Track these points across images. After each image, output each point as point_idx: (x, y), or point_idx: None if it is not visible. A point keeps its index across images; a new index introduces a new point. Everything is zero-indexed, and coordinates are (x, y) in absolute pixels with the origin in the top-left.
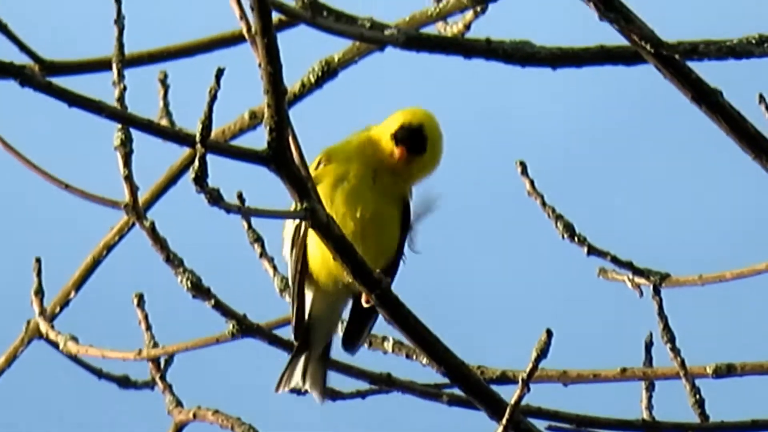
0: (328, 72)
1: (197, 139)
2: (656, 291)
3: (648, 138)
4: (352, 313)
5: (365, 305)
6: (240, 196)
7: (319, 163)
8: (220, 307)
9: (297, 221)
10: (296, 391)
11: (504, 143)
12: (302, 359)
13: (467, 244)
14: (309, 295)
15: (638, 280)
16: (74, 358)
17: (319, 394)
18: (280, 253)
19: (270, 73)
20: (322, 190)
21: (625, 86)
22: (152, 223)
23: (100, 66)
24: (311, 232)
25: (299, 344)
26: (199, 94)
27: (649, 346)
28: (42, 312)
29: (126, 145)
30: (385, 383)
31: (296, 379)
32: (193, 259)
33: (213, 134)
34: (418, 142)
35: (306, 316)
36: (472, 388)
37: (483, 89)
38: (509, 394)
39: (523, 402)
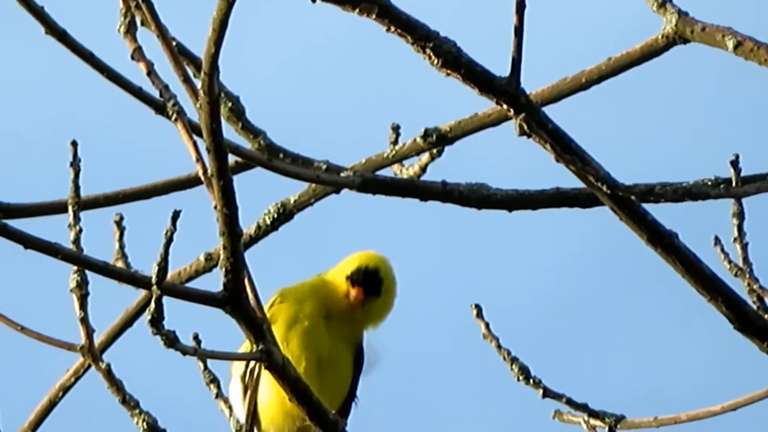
0: (285, 214)
1: (153, 281)
2: None
3: (607, 278)
4: None
5: None
6: (196, 338)
7: (272, 304)
8: None
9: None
10: None
11: (460, 286)
12: None
13: (424, 388)
14: None
15: (594, 422)
16: None
17: None
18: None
19: (226, 215)
20: (277, 330)
21: (583, 227)
22: (108, 366)
23: (55, 209)
24: (265, 374)
25: None
26: (156, 237)
27: None
28: None
29: (82, 287)
30: None
31: None
32: (149, 401)
33: (169, 276)
34: (373, 284)
35: None
36: None
37: (441, 231)
38: None
39: None
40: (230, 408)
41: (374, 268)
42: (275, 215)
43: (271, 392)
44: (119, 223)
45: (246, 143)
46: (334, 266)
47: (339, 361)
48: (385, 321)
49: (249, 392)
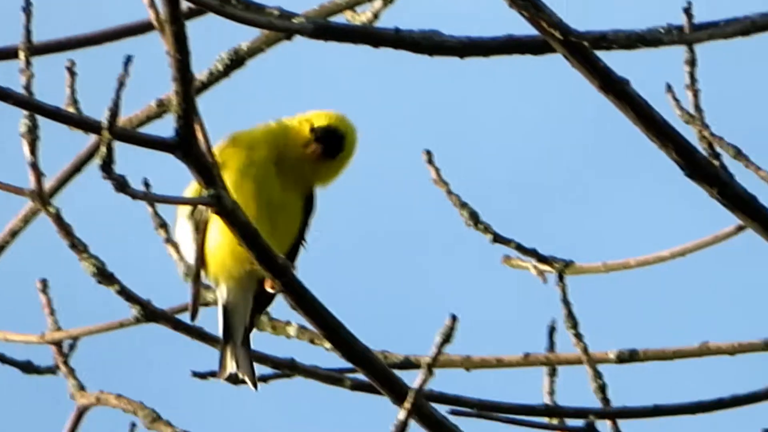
0: (237, 61)
1: (104, 125)
2: (560, 278)
3: (559, 127)
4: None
5: (270, 291)
6: (146, 183)
7: (223, 149)
8: (124, 292)
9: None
10: (233, 379)
11: (413, 135)
12: (229, 347)
13: (373, 231)
14: (222, 284)
15: (542, 267)
16: None
17: (250, 380)
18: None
19: (178, 60)
20: (227, 175)
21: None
22: (57, 210)
23: (7, 55)
24: (214, 218)
25: (224, 332)
26: (108, 85)
27: (551, 331)
28: None
29: (32, 132)
30: (288, 368)
31: (230, 367)
32: (98, 246)
33: (120, 122)
34: (334, 147)
35: (221, 305)
36: (375, 373)
37: (393, 80)
38: (412, 379)
39: (427, 387)
40: (179, 252)
41: (342, 132)
42: (227, 62)
43: (220, 236)
44: (71, 69)
45: None
46: (295, 115)
47: (288, 207)
48: (331, 183)
49: (198, 237)
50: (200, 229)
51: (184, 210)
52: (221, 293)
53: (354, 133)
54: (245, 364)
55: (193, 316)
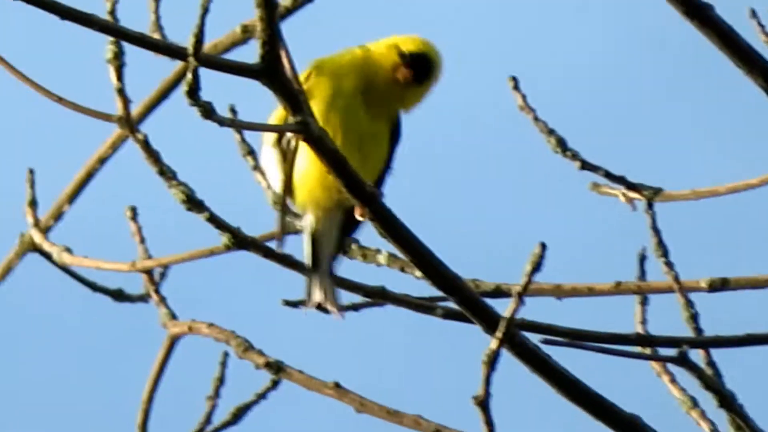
0: None
1: (189, 51)
2: (649, 205)
3: (644, 54)
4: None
5: (359, 218)
6: (232, 110)
7: (309, 76)
8: (213, 220)
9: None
10: (320, 308)
11: (498, 60)
12: (316, 276)
13: (460, 161)
14: (309, 213)
15: (631, 194)
16: (68, 271)
17: (336, 309)
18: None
19: None
20: (315, 106)
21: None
22: (145, 136)
23: None
24: (302, 146)
25: (310, 261)
26: (192, 10)
27: (642, 260)
28: (36, 223)
29: (118, 58)
30: (379, 296)
31: (317, 296)
32: (185, 173)
33: (205, 48)
34: (423, 72)
35: (308, 234)
36: (466, 301)
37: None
38: (504, 308)
39: (518, 316)
40: (266, 180)
41: (430, 56)
42: None
43: (307, 165)
44: None
45: None
46: (378, 40)
47: (376, 135)
48: (415, 108)
49: (285, 166)
50: (287, 158)
51: (270, 138)
52: (308, 222)
53: (440, 58)
54: (331, 293)
55: (280, 245)
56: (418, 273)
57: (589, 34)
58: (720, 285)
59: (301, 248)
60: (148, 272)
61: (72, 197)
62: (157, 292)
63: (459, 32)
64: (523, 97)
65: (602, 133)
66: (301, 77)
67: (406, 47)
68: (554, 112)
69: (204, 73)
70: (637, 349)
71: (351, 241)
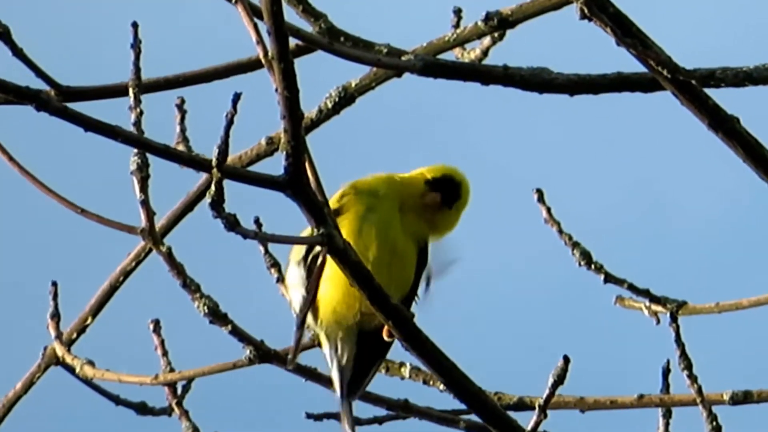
0: (346, 98)
1: (214, 163)
2: (673, 318)
3: (669, 162)
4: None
5: (386, 339)
6: (257, 222)
7: (343, 195)
8: (237, 332)
9: (312, 249)
10: (332, 416)
11: (522, 170)
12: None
13: (486, 272)
14: (330, 332)
15: (655, 307)
16: (91, 384)
17: (348, 425)
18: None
19: (287, 97)
20: (348, 220)
21: (645, 112)
22: (169, 249)
23: (116, 92)
24: (327, 264)
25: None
26: (217, 121)
27: (666, 373)
28: (58, 335)
29: (142, 170)
30: (402, 409)
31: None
32: (210, 285)
33: (230, 160)
34: (452, 194)
35: (331, 358)
36: (489, 414)
37: (502, 115)
38: (526, 420)
39: (540, 428)
40: (290, 298)
41: (459, 181)
42: (336, 99)
43: (331, 281)
44: (180, 107)
45: (307, 26)
46: (408, 171)
47: (407, 256)
48: (445, 237)
49: (311, 283)
50: (314, 275)
51: (296, 255)
52: (329, 343)
53: (467, 181)
54: (346, 410)
55: (291, 362)
56: (442, 386)
57: (609, 144)
58: (742, 398)
59: (326, 365)
60: (171, 385)
61: (96, 310)
62: (179, 405)
63: (487, 143)
64: (548, 209)
65: (625, 245)
66: (337, 195)
67: (432, 174)
68: (576, 222)
69: (230, 184)
70: None
71: (381, 363)
